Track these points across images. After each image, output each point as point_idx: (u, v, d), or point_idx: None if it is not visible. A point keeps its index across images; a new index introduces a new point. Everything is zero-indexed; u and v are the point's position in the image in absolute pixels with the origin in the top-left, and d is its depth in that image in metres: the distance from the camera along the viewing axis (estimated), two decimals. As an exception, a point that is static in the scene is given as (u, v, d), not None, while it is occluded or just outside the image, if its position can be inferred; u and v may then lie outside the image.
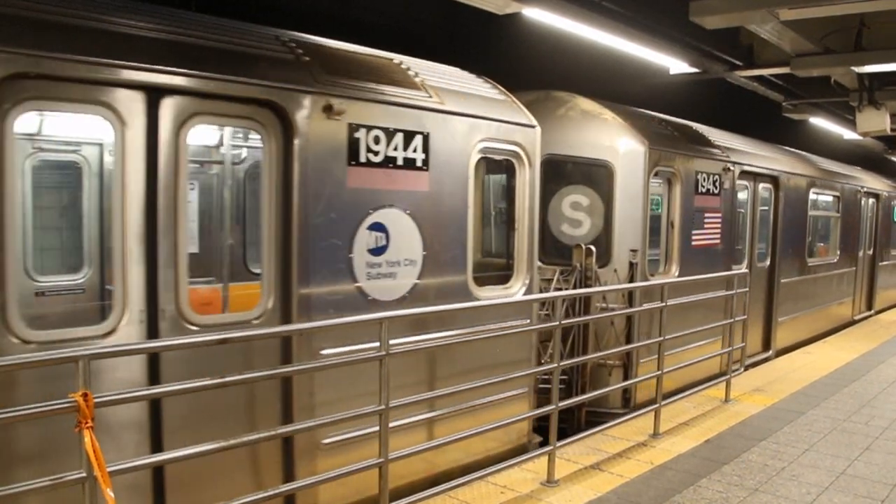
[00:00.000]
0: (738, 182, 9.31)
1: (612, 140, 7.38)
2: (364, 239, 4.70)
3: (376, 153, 4.72)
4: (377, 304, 4.79)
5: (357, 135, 4.61)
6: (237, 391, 4.17)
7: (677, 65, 8.42)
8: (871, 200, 15.58)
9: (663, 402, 6.69)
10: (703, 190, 8.37)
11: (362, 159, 4.65)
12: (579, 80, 8.35)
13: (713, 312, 8.46)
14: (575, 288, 6.93)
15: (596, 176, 7.39)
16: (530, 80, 6.87)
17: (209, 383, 3.52)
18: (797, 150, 12.63)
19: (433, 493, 4.70)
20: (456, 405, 5.10)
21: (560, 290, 6.83)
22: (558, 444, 5.46)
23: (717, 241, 8.75)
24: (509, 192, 6.31)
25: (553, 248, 7.40)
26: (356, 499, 4.70)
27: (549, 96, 7.65)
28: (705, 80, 9.53)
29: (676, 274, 8.01)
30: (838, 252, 13.36)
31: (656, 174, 7.63)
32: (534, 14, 6.14)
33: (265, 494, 3.71)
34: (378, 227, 4.79)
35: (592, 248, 7.00)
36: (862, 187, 14.63)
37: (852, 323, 14.24)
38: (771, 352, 10.76)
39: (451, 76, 5.76)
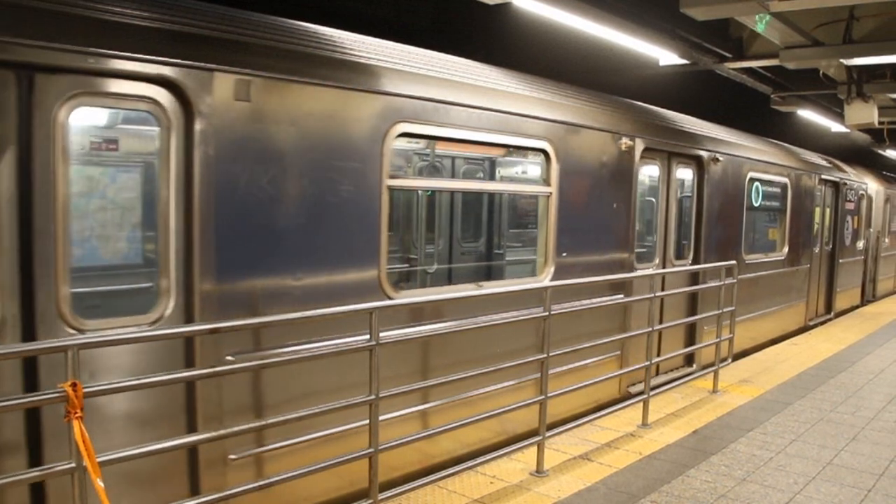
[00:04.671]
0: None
1: None
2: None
3: None
4: None
5: None
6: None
7: (667, 56, 8.41)
8: (678, 168, 8.41)
9: (651, 393, 6.73)
10: None
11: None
12: (569, 71, 8.33)
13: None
14: None
15: None
16: (520, 70, 6.80)
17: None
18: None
19: (423, 483, 4.70)
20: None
21: None
22: (547, 434, 5.48)
23: None
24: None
25: None
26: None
27: None
28: (696, 72, 9.52)
29: None
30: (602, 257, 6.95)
31: None
32: (523, 3, 6.11)
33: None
34: None
35: None
36: (633, 137, 7.22)
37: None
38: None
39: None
